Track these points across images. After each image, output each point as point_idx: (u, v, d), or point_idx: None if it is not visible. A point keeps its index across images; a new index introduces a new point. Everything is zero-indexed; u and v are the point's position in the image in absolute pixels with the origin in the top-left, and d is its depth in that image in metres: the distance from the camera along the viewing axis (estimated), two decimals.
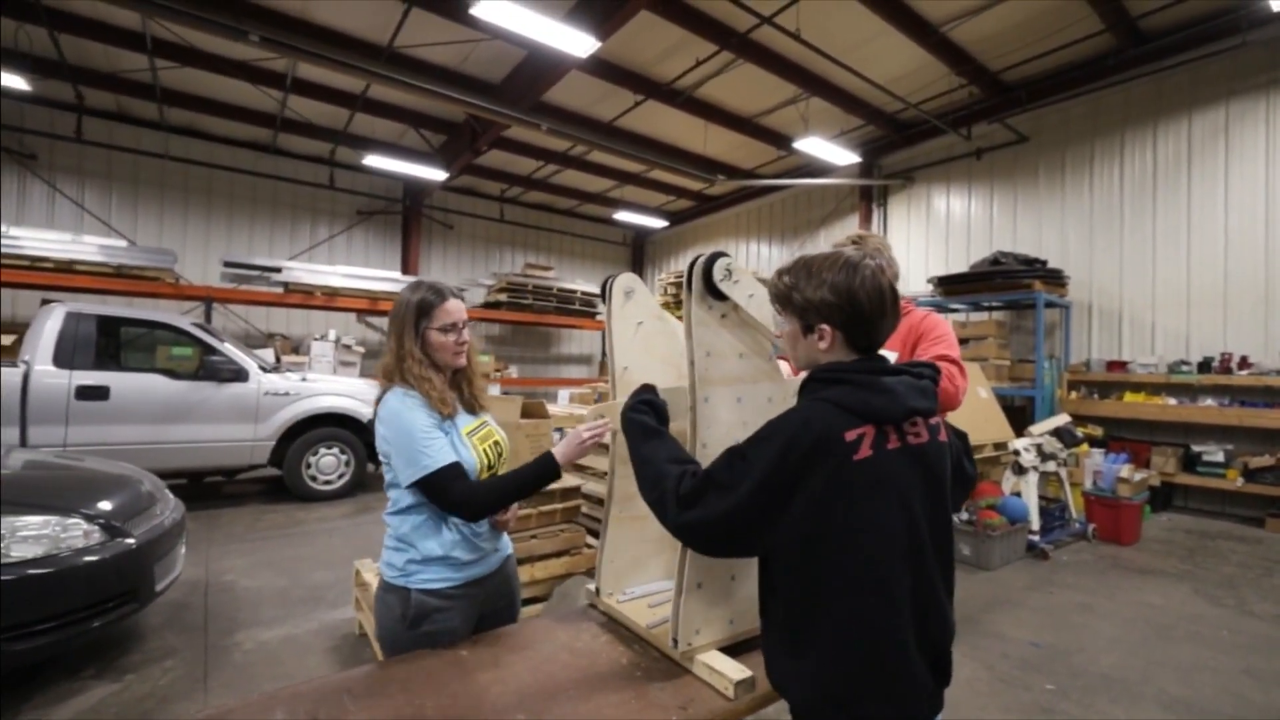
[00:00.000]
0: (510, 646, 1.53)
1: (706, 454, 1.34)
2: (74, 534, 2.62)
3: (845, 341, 1.08)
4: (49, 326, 5.00)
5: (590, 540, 3.51)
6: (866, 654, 1.00)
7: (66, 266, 7.14)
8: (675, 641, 1.40)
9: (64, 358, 4.96)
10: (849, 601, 1.01)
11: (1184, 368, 6.40)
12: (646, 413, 1.28)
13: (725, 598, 1.44)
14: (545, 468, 1.56)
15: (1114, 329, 7.22)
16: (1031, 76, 7.51)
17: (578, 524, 3.52)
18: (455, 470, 1.50)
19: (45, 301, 6.03)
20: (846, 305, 1.05)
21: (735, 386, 1.42)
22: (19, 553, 2.45)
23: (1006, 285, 7.06)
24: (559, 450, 1.56)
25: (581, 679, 1.38)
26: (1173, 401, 6.38)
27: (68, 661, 2.81)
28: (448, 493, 1.49)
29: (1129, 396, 6.69)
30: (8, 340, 6.36)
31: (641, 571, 1.80)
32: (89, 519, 2.69)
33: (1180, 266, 6.69)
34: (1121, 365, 6.88)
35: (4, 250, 6.77)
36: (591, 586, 1.77)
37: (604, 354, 10.15)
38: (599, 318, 11.48)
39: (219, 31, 5.58)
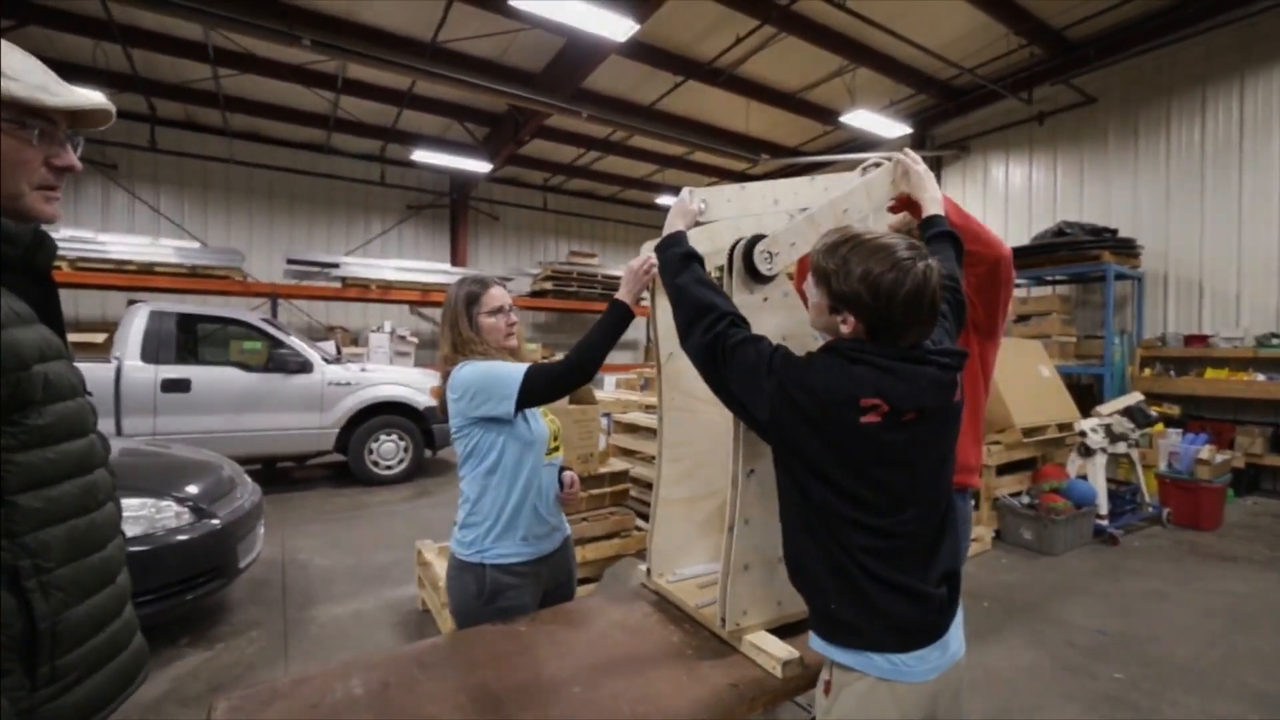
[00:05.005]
0: (566, 623, 1.59)
1: (750, 436, 1.34)
2: (167, 515, 2.86)
3: (867, 333, 1.09)
4: (136, 324, 5.40)
5: (639, 523, 3.57)
6: (871, 589, 1.07)
7: (147, 268, 7.67)
8: (723, 621, 1.43)
9: (150, 353, 5.35)
10: (846, 538, 1.07)
11: (1274, 341, 5.92)
12: (681, 242, 1.37)
13: (772, 580, 1.45)
14: (619, 312, 1.64)
15: (1193, 301, 6.73)
16: (1099, 32, 6.99)
17: (626, 507, 3.58)
18: (541, 364, 1.63)
19: (131, 302, 6.50)
20: (880, 308, 1.05)
21: None
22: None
23: (1072, 257, 6.68)
24: (622, 292, 1.65)
25: (634, 655, 1.43)
26: (1261, 378, 5.91)
27: (166, 631, 3.08)
28: (551, 375, 1.60)
29: (1210, 373, 6.24)
30: (100, 338, 6.90)
31: (690, 554, 1.83)
32: (179, 501, 2.93)
33: (1271, 231, 6.15)
34: (1202, 339, 6.42)
35: (93, 255, 7.33)
36: (643, 567, 1.81)
37: (649, 339, 10.21)
38: (644, 303, 11.41)
39: (274, 38, 5.83)
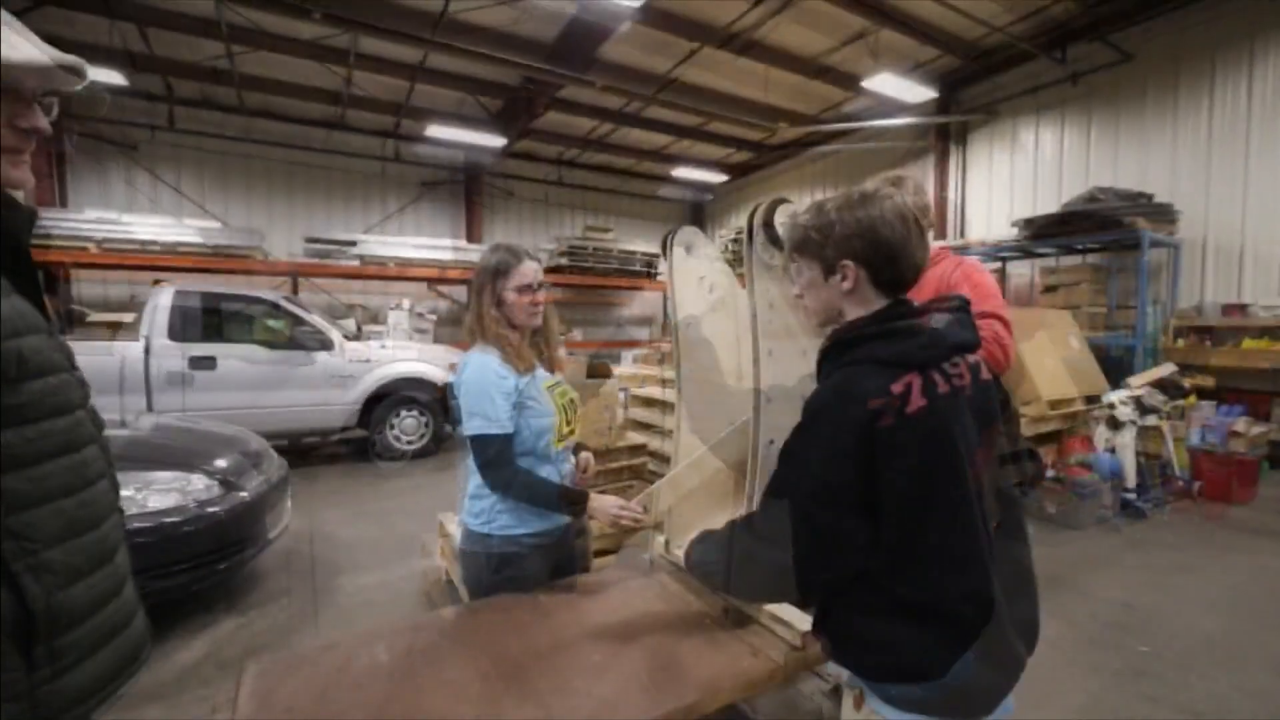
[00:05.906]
0: (585, 592, 1.61)
1: (771, 408, 1.33)
2: (198, 488, 2.93)
3: (870, 279, 1.02)
4: (162, 303, 5.50)
5: None
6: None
7: (172, 249, 7.79)
8: None
9: (176, 332, 5.46)
10: (857, 563, 0.98)
11: None
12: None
13: None
14: (561, 503, 1.60)
15: (1233, 270, 6.45)
16: None
17: (645, 480, 3.60)
18: (506, 442, 1.59)
19: (156, 282, 6.61)
20: (868, 234, 1.00)
21: (799, 340, 1.39)
22: (155, 504, 2.77)
23: (1105, 225, 6.41)
24: (595, 504, 1.60)
25: (652, 624, 1.44)
26: None
27: (203, 598, 3.19)
28: (487, 456, 1.59)
29: (1248, 344, 6.02)
30: (129, 317, 7.06)
31: (708, 524, 1.82)
32: (209, 475, 3.01)
33: None
34: (1240, 309, 6.18)
35: (119, 236, 7.46)
36: (660, 539, 1.82)
37: (665, 315, 10.14)
38: (660, 278, 11.35)
39: (285, 12, 5.78)
